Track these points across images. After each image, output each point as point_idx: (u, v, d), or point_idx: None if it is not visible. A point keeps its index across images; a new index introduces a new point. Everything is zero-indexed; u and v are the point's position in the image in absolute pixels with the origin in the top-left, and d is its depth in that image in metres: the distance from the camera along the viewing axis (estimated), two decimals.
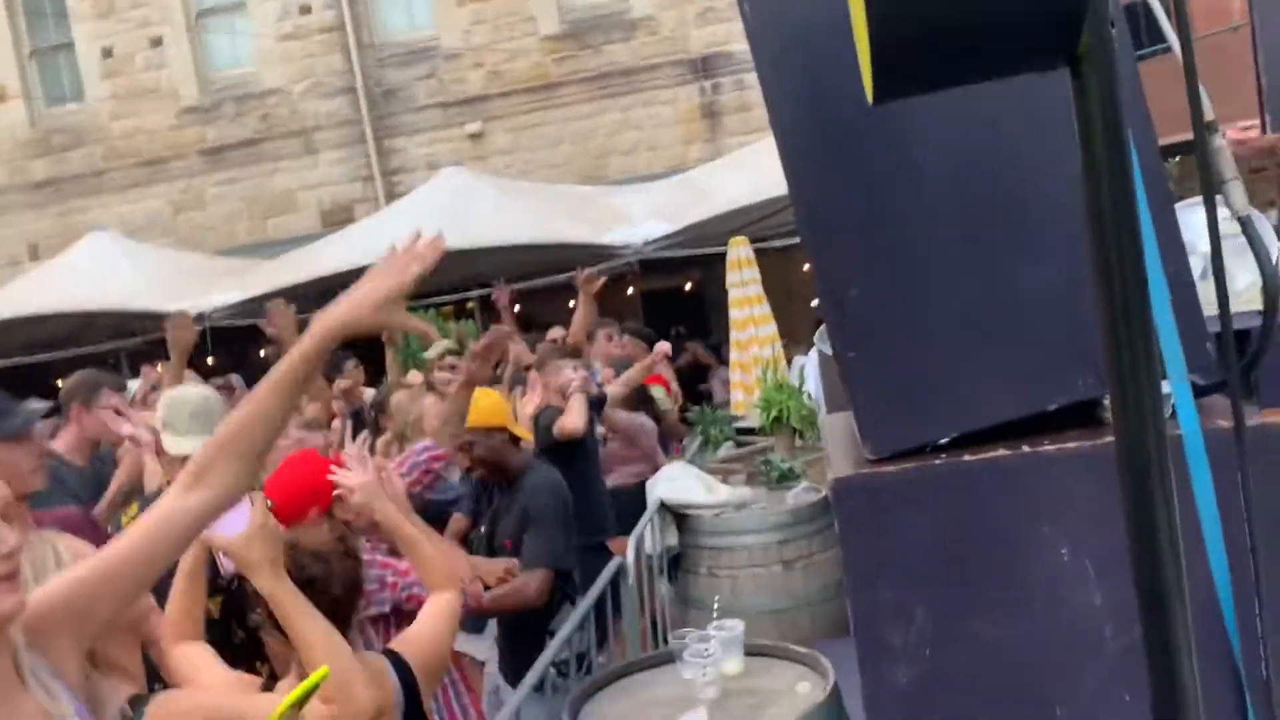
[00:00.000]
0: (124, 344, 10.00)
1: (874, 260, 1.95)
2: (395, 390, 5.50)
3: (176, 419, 3.20)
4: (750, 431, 7.12)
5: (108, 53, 13.15)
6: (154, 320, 9.33)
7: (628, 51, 12.23)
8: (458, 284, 9.86)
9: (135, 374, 9.09)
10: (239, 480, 1.73)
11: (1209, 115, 1.96)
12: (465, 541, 4.18)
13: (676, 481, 4.99)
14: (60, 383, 6.15)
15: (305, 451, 3.15)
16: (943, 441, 1.92)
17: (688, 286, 11.80)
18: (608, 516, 4.88)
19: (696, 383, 9.02)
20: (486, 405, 3.96)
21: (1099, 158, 1.10)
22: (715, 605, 3.28)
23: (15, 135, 13.45)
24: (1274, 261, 2.52)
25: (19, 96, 13.40)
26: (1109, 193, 1.09)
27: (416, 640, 2.38)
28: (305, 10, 12.76)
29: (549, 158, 12.44)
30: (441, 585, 2.55)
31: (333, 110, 12.84)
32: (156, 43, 13.01)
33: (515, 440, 4.05)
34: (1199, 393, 2.07)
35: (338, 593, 2.08)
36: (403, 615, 2.86)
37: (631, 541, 4.38)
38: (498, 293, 7.03)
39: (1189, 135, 1.56)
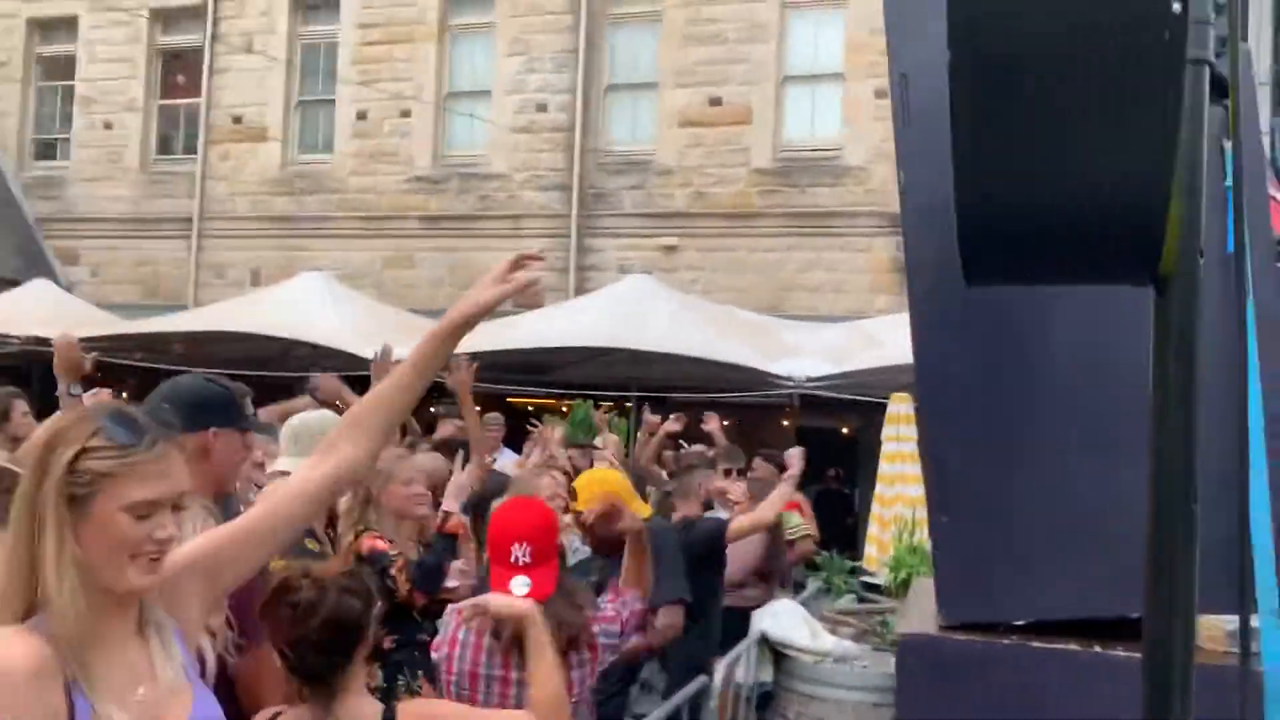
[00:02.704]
0: (312, 374, 10.71)
1: (982, 433, 2.02)
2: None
3: (292, 444, 3.46)
4: (876, 589, 6.97)
5: (362, 115, 14.44)
6: (344, 358, 10.00)
7: (832, 195, 12.51)
8: (622, 383, 10.16)
9: (318, 404, 9.73)
10: (362, 455, 1.89)
11: None
12: None
13: (781, 618, 4.96)
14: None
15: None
16: (1017, 623, 1.94)
17: (845, 430, 11.72)
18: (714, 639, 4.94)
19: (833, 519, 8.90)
20: (598, 492, 4.17)
21: (1169, 378, 1.15)
22: None
23: (265, 173, 14.86)
24: None
25: (278, 139, 14.85)
26: (1172, 415, 1.14)
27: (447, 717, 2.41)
28: (541, 108, 13.69)
29: (735, 282, 12.74)
30: (539, 705, 2.47)
31: (545, 203, 13.62)
32: (405, 114, 14.20)
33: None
34: None
35: (321, 622, 2.13)
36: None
37: (722, 665, 4.38)
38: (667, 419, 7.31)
39: None
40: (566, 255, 13.44)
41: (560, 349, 9.86)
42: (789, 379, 8.81)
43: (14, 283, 13.01)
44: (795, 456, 5.82)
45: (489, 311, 1.97)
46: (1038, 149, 1.06)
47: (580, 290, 12.83)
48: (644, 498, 4.74)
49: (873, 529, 7.99)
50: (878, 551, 7.68)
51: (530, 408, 11.41)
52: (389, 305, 12.60)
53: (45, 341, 10.98)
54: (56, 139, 16.39)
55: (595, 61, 13.59)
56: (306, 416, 3.63)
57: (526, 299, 1.98)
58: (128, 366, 11.53)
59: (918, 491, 7.98)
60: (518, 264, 1.98)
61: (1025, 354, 2.01)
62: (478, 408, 11.15)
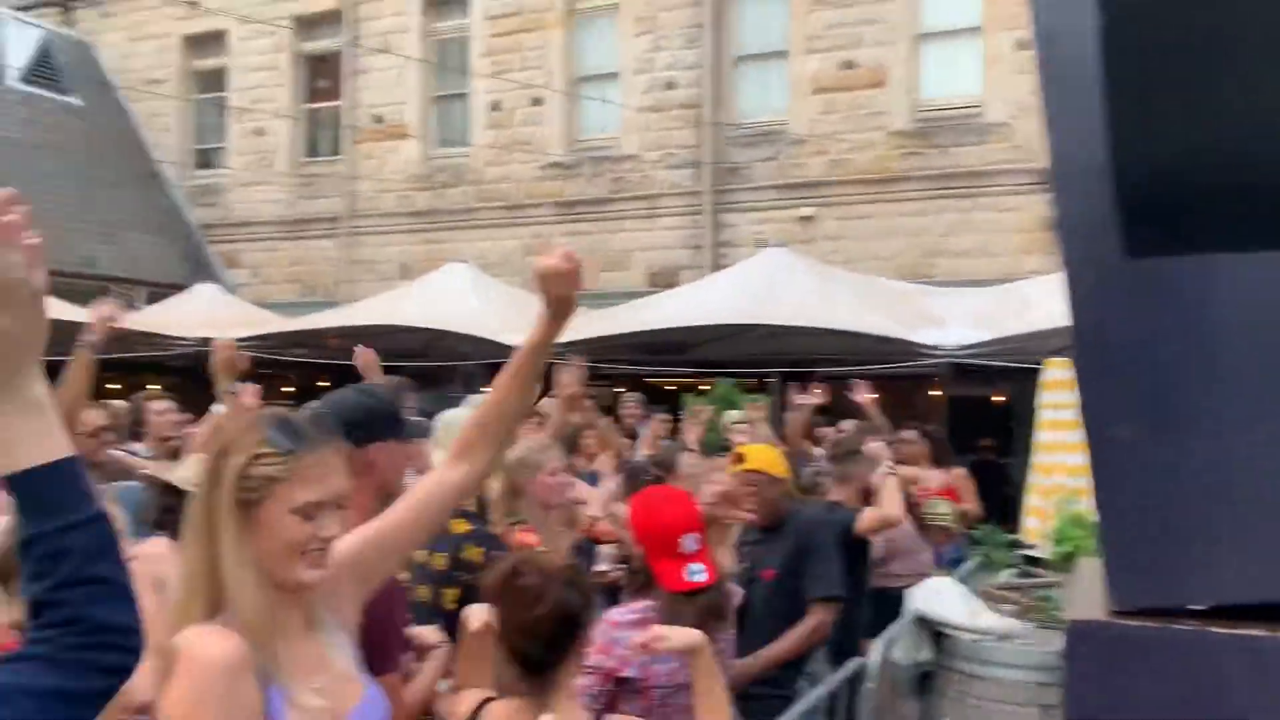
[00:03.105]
0: (460, 363, 11.03)
1: (1148, 403, 1.88)
2: (681, 451, 5.77)
3: (445, 439, 3.52)
4: (1037, 562, 6.72)
5: (495, 106, 14.70)
6: (489, 346, 10.25)
7: (976, 155, 12.04)
8: (762, 359, 10.07)
9: (469, 390, 10.01)
10: (490, 460, 2.04)
11: None
12: None
13: (939, 596, 4.83)
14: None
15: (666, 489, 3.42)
16: (1195, 608, 1.81)
17: (998, 398, 11.32)
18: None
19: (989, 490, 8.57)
20: (772, 457, 4.23)
21: None
22: None
23: (407, 169, 15.31)
24: None
25: (418, 136, 15.27)
26: None
27: None
28: (670, 86, 13.64)
29: (877, 250, 12.43)
30: None
31: (677, 181, 13.58)
32: (537, 102, 14.38)
33: (790, 495, 4.36)
34: None
35: (546, 611, 2.18)
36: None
37: (878, 646, 4.29)
38: (809, 391, 7.28)
39: None
40: (702, 232, 13.38)
41: (698, 327, 9.83)
42: (937, 348, 8.54)
43: (182, 287, 13.84)
44: (879, 451, 5.48)
45: (568, 303, 2.01)
46: (1206, 104, 0.96)
47: (717, 267, 12.75)
48: (796, 477, 4.68)
49: (1032, 500, 7.68)
50: (1039, 523, 7.40)
51: (669, 388, 11.46)
52: (529, 292, 12.82)
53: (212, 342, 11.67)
54: (213, 148, 17.30)
55: (723, 33, 13.43)
56: (453, 414, 3.71)
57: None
58: (288, 362, 12.13)
59: (1079, 460, 7.64)
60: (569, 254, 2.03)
61: (1192, 315, 1.86)
62: (621, 389, 11.26)
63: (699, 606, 2.87)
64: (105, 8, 17.81)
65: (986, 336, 8.47)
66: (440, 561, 2.97)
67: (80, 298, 12.78)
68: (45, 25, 17.24)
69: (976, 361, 8.53)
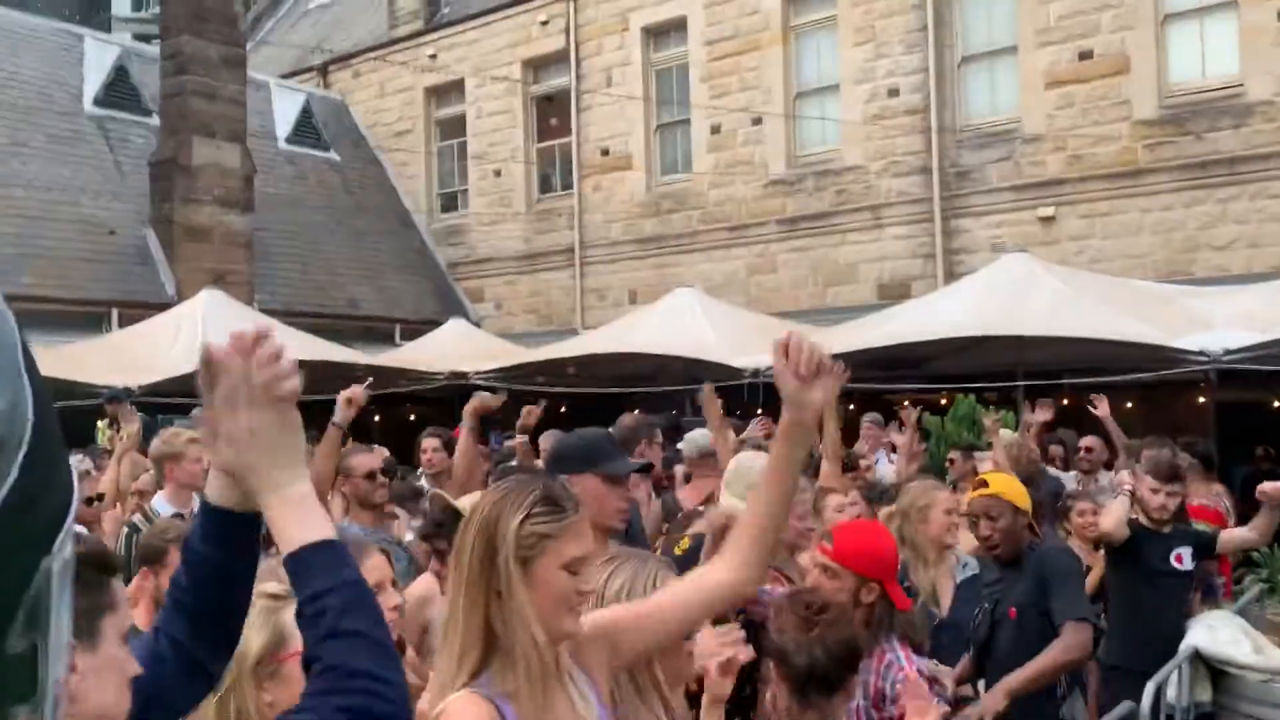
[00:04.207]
0: (690, 388, 11.17)
1: None
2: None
3: (735, 483, 3.40)
4: None
5: (715, 129, 14.86)
6: (716, 369, 10.33)
7: (1236, 138, 11.06)
8: (1005, 371, 9.63)
9: (700, 414, 10.13)
10: (755, 569, 2.02)
11: None
12: None
13: (1217, 632, 4.45)
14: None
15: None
16: None
17: (1275, 404, 10.31)
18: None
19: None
20: (1018, 488, 4.10)
21: None
22: None
23: (633, 198, 15.71)
24: None
25: (641, 168, 15.66)
26: None
27: None
28: (893, 93, 13.34)
29: (1126, 248, 11.64)
30: None
31: (904, 189, 13.25)
32: (757, 122, 14.42)
33: (1034, 530, 4.19)
34: None
35: (839, 636, 2.33)
36: None
37: (1150, 687, 4.01)
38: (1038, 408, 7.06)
39: None
40: (932, 240, 12.99)
41: (936, 340, 9.49)
42: (1202, 354, 7.87)
43: (434, 323, 14.79)
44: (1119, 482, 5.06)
45: (805, 393, 1.95)
46: None
47: (950, 275, 12.34)
48: (1036, 505, 4.44)
49: None
50: None
51: (907, 403, 11.13)
52: (755, 311, 12.84)
53: (464, 375, 12.40)
54: (456, 191, 18.41)
55: (946, 35, 13.04)
56: (745, 459, 3.59)
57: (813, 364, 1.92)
58: (531, 392, 12.67)
59: None
60: (786, 344, 1.96)
61: None
62: (851, 405, 11.07)
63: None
64: (355, 67, 19.36)
65: (1260, 338, 7.74)
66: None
67: (346, 337, 13.93)
68: (306, 89, 18.95)
69: (1250, 367, 7.81)
